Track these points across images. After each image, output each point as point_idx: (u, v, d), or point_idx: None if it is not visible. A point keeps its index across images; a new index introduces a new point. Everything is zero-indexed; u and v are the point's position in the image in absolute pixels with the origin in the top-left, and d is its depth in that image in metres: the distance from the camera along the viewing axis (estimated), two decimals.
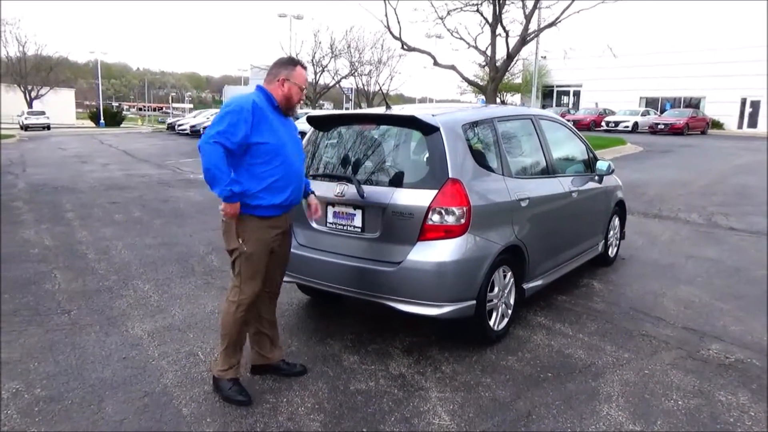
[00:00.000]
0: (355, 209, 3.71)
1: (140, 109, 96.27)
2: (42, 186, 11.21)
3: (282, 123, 3.12)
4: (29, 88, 50.79)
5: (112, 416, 2.94)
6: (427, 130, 3.66)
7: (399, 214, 3.53)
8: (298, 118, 4.02)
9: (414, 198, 3.51)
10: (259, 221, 3.05)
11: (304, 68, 3.23)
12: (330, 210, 3.83)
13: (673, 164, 15.88)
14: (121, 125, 51.05)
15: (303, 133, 3.71)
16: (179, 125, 33.65)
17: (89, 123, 53.82)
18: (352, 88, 44.70)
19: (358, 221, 3.71)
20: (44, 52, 52.06)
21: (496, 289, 3.81)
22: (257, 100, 3.01)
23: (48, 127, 40.47)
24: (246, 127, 2.92)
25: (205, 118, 32.07)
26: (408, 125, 3.88)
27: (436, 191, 3.48)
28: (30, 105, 48.87)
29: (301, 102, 3.32)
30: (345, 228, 3.77)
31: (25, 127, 39.40)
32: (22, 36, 57.83)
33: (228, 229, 3.09)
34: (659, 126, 30.25)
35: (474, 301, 3.58)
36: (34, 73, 50.69)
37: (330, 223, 3.85)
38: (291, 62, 3.19)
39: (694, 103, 38.12)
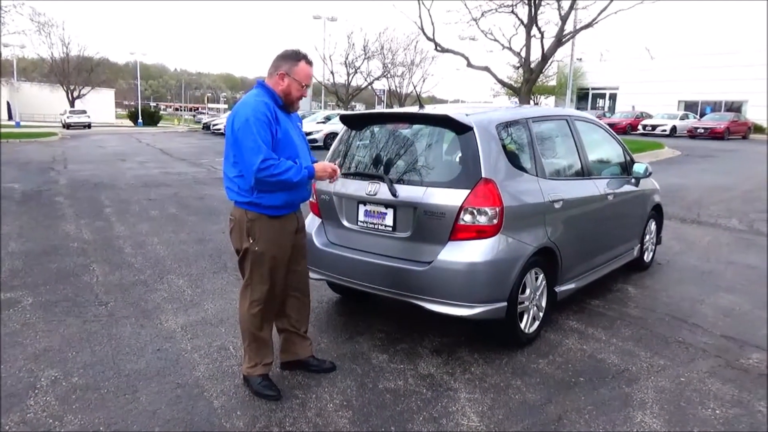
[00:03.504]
0: (386, 208, 3.71)
1: (177, 109, 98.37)
2: (82, 182, 11.54)
3: (288, 120, 3.05)
4: (71, 87, 52.44)
5: (146, 406, 3.01)
6: (461, 129, 3.64)
7: (431, 213, 3.51)
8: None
9: (446, 197, 3.49)
10: (269, 220, 3.02)
11: (309, 63, 3.05)
12: (361, 208, 3.84)
13: (713, 169, 15.44)
14: (158, 124, 52.21)
15: (335, 134, 3.73)
16: (214, 125, 34.24)
17: (128, 122, 55.27)
18: (384, 90, 44.80)
19: (389, 220, 3.71)
20: (86, 53, 53.74)
21: (527, 291, 3.76)
22: (267, 103, 2.92)
23: (89, 126, 41.70)
24: (270, 133, 2.88)
25: None
26: (441, 124, 3.86)
27: (468, 191, 3.45)
28: (72, 104, 50.44)
29: (303, 98, 3.10)
30: (376, 227, 3.77)
31: (67, 126, 40.66)
32: (66, 37, 59.83)
33: (237, 228, 3.06)
34: (699, 130, 29.44)
35: (505, 303, 3.54)
36: (76, 74, 52.37)
37: (361, 221, 3.85)
38: (295, 56, 3.00)
39: (735, 107, 36.93)
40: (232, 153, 2.95)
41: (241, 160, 2.88)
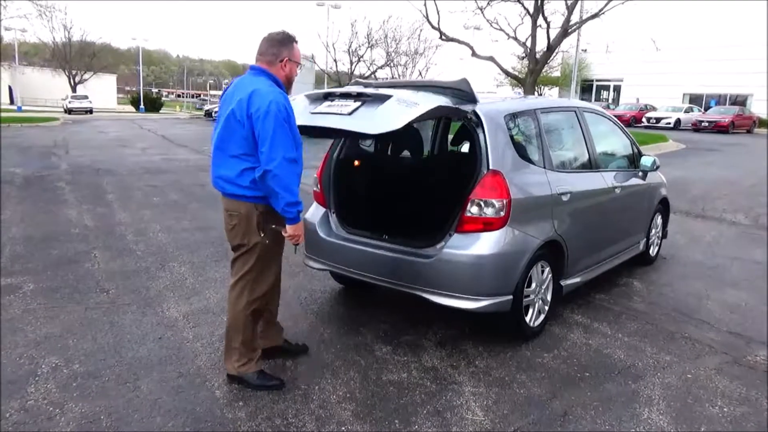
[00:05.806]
0: None
1: (179, 96, 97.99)
2: (84, 168, 11.49)
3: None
4: (73, 73, 52.19)
5: (147, 395, 2.98)
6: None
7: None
8: None
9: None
10: (275, 213, 2.91)
11: (297, 42, 3.04)
12: None
13: (718, 163, 15.36)
14: (160, 111, 52.00)
15: None
16: (216, 112, 34.12)
17: (129, 108, 55.04)
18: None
19: None
20: (88, 39, 53.45)
21: (533, 285, 3.72)
22: (284, 94, 2.87)
23: (90, 111, 41.52)
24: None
25: None
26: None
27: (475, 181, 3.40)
28: (74, 89, 50.19)
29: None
30: None
31: (69, 111, 40.48)
32: (68, 22, 59.39)
33: (245, 223, 2.93)
34: (703, 123, 29.28)
35: (511, 296, 3.50)
36: (78, 59, 52.09)
37: None
38: (289, 39, 2.98)
39: (740, 101, 36.72)
40: (247, 144, 2.85)
41: (270, 149, 2.74)
